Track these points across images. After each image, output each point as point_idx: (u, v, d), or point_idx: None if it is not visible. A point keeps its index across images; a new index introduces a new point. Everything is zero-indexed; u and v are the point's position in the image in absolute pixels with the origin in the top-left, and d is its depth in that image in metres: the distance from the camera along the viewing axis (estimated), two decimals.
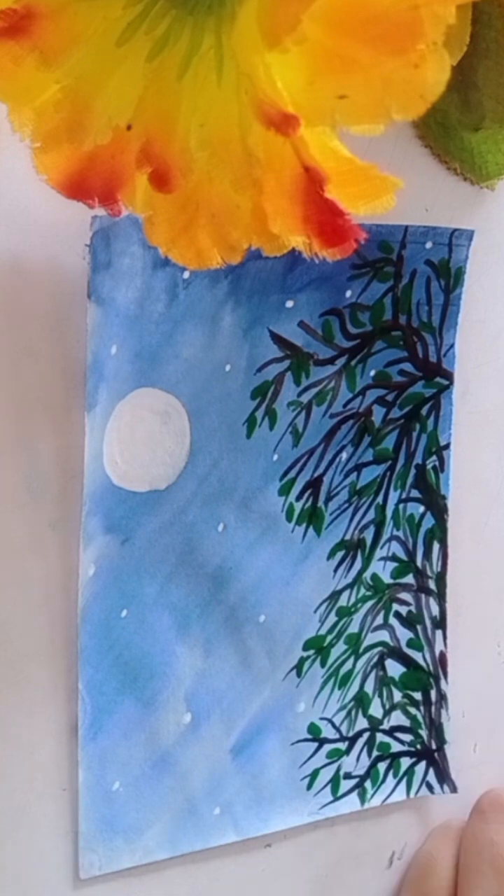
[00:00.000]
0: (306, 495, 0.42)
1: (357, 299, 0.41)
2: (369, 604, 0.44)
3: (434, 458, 0.44)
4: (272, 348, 0.40)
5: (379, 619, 0.44)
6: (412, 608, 0.45)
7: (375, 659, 0.44)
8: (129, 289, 0.36)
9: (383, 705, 0.45)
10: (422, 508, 0.45)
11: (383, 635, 0.45)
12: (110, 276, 0.36)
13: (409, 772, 0.45)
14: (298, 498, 0.42)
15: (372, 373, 0.42)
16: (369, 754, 0.44)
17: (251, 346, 0.39)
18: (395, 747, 0.45)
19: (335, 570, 0.43)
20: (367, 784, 0.44)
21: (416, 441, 0.44)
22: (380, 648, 0.45)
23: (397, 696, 0.45)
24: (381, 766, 0.45)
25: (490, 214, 0.44)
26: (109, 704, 0.38)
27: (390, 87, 0.24)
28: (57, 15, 0.27)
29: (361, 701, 0.44)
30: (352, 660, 0.44)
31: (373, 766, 0.45)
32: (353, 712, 0.44)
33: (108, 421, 0.37)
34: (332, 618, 0.43)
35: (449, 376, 0.44)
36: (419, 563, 0.45)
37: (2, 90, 0.28)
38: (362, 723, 0.44)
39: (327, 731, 0.43)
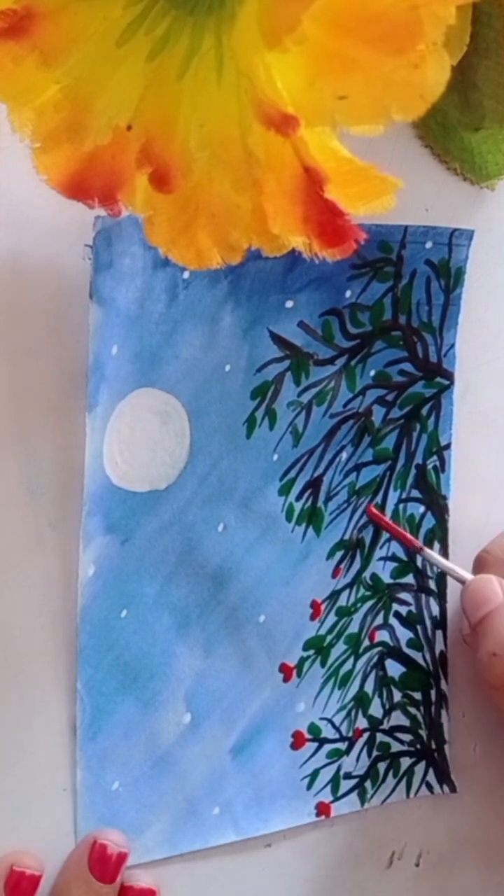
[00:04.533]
0: (306, 495, 0.42)
1: (357, 299, 0.41)
2: (369, 604, 0.44)
3: (434, 458, 0.44)
4: (272, 348, 0.40)
5: (379, 619, 0.44)
6: (412, 608, 0.45)
7: (375, 659, 0.44)
8: (129, 289, 0.36)
9: (383, 705, 0.45)
10: (422, 508, 0.45)
11: (383, 635, 0.45)
12: (111, 277, 0.36)
13: (409, 772, 0.45)
14: (298, 498, 0.42)
15: (372, 373, 0.42)
16: (369, 754, 0.44)
17: (251, 346, 0.39)
18: (395, 747, 0.45)
19: (335, 570, 0.43)
20: (367, 784, 0.44)
21: (417, 441, 0.44)
22: (380, 648, 0.45)
23: (397, 696, 0.45)
24: (381, 766, 0.45)
25: (490, 214, 0.44)
26: (109, 704, 0.38)
27: (390, 87, 0.24)
28: (57, 15, 0.27)
29: (361, 701, 0.44)
30: (352, 660, 0.44)
31: (373, 766, 0.45)
32: (353, 712, 0.44)
33: (108, 421, 0.37)
34: (332, 618, 0.43)
35: (449, 376, 0.44)
36: (419, 562, 0.45)
37: (2, 90, 0.28)
38: (362, 723, 0.44)
39: (327, 731, 0.43)
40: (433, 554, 0.43)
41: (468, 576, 0.43)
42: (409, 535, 0.43)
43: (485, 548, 0.45)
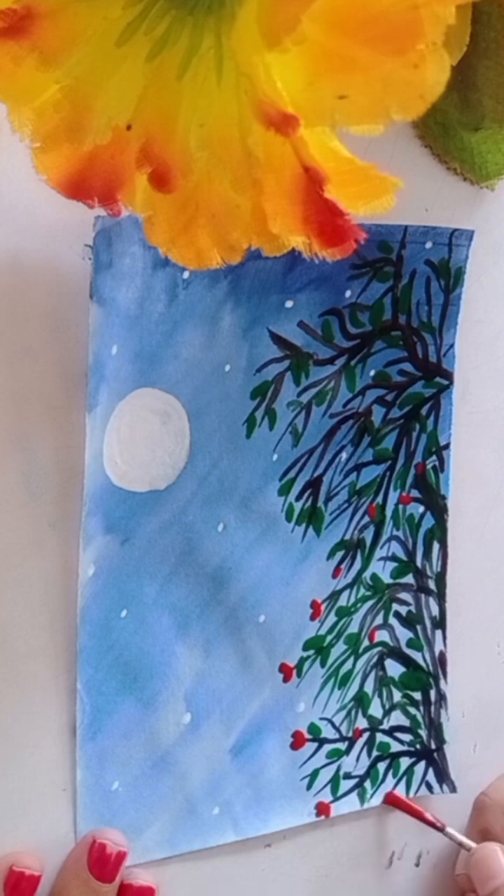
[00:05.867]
0: (306, 495, 0.42)
1: (357, 299, 0.41)
2: (369, 604, 0.44)
3: (434, 458, 0.44)
4: (272, 348, 0.40)
5: (379, 619, 0.44)
6: (412, 608, 0.45)
7: (375, 659, 0.44)
8: (129, 289, 0.36)
9: (383, 705, 0.45)
10: (421, 508, 0.45)
11: (383, 635, 0.45)
12: (112, 277, 0.36)
13: (409, 772, 0.45)
14: (298, 498, 0.41)
15: (372, 373, 0.42)
16: (369, 754, 0.44)
17: (251, 346, 0.39)
18: (395, 747, 0.45)
19: (335, 570, 0.43)
20: (367, 784, 0.44)
21: (416, 441, 0.44)
22: (379, 648, 0.45)
23: (397, 696, 0.45)
24: (381, 766, 0.45)
25: (490, 214, 0.44)
26: (109, 704, 0.38)
27: (390, 87, 0.24)
28: (57, 15, 0.27)
29: (361, 701, 0.44)
30: (352, 660, 0.44)
31: (372, 766, 0.45)
32: (353, 712, 0.44)
33: (108, 421, 0.37)
34: (332, 618, 0.43)
35: (449, 376, 0.44)
36: (419, 563, 0.45)
37: (2, 90, 0.28)
38: (362, 723, 0.44)
39: (327, 731, 0.43)
40: (454, 833, 0.45)
41: (472, 844, 0.44)
42: (427, 816, 0.45)
43: (485, 790, 0.46)
